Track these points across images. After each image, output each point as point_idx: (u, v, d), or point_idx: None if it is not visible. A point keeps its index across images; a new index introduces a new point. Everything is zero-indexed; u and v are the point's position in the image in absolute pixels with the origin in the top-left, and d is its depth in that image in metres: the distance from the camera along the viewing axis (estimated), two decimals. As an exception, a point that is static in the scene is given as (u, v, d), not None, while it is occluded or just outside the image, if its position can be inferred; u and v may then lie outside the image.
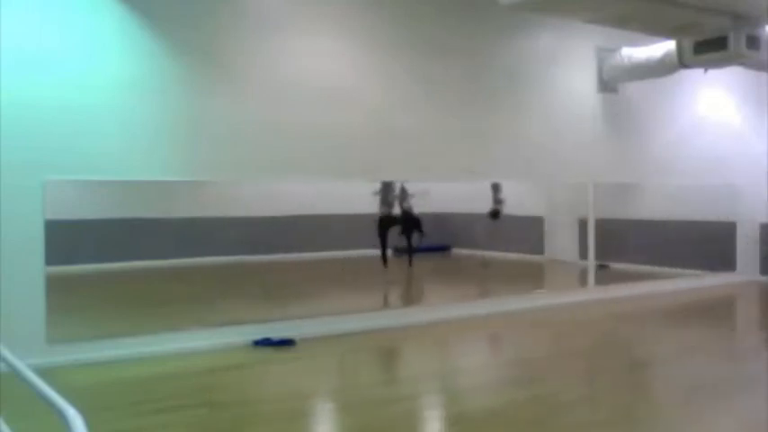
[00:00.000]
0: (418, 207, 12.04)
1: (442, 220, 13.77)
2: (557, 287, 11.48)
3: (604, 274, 10.98)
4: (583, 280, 10.90)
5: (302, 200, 10.26)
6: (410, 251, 12.04)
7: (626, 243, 12.06)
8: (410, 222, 11.92)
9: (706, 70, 9.94)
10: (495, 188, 12.02)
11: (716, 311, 10.14)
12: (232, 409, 5.32)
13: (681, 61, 9.33)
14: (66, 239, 8.36)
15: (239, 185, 9.03)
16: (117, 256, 9.98)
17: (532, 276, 12.13)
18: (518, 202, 12.26)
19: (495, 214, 12.14)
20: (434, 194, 11.87)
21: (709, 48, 8.59)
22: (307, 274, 10.94)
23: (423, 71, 8.90)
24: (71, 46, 6.73)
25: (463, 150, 9.28)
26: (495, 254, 12.53)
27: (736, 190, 12.27)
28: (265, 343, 7.40)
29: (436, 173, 9.19)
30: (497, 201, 12.14)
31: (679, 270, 11.66)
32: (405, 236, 11.94)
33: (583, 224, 11.07)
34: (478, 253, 13.42)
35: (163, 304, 8.98)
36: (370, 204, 11.40)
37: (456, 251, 14.17)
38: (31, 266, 6.49)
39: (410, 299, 11.62)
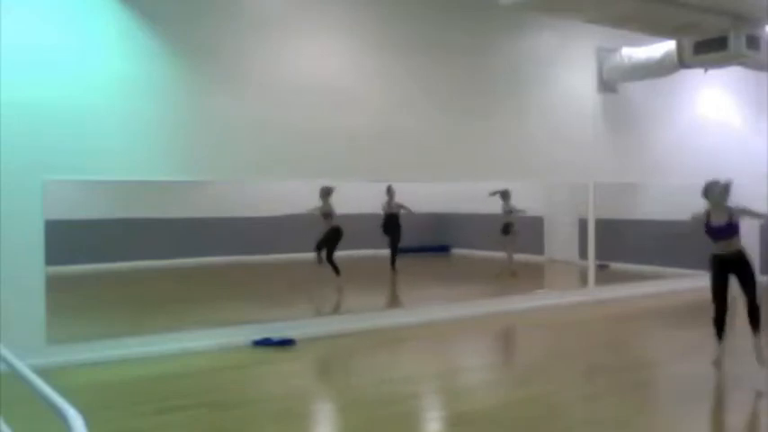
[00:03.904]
0: (417, 207, 12.09)
1: (442, 220, 13.80)
2: (557, 287, 11.48)
3: (604, 274, 10.98)
4: (583, 280, 10.90)
5: (302, 200, 10.29)
6: (394, 253, 12.02)
7: (626, 243, 12.07)
8: (393, 224, 11.91)
9: (706, 70, 9.94)
10: (505, 196, 11.99)
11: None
12: (232, 409, 5.32)
13: (681, 61, 9.33)
14: (66, 239, 8.38)
15: (239, 186, 9.04)
16: (117, 256, 10.00)
17: (532, 276, 12.14)
18: (518, 202, 12.28)
19: (506, 229, 12.13)
20: (435, 195, 11.91)
21: (709, 48, 8.58)
22: (307, 274, 10.95)
23: (423, 71, 8.89)
24: (71, 46, 6.73)
25: (464, 150, 9.27)
26: (495, 254, 12.56)
27: (735, 190, 12.25)
28: (265, 343, 7.40)
29: (437, 173, 9.18)
30: (508, 211, 12.12)
31: (679, 270, 11.65)
32: (389, 238, 11.96)
33: (583, 224, 11.07)
34: (477, 253, 13.44)
35: (163, 304, 8.98)
36: (370, 205, 11.44)
37: (456, 251, 14.20)
38: (31, 266, 6.48)
39: (410, 299, 11.63)
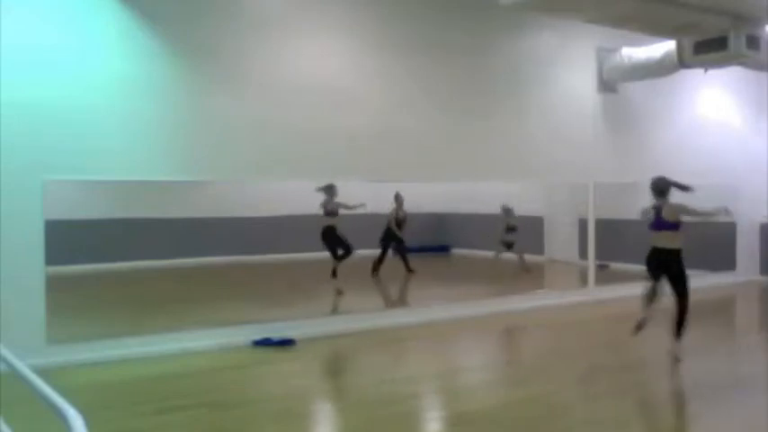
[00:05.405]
0: (417, 208, 12.08)
1: (442, 220, 13.79)
2: (557, 287, 11.47)
3: (604, 274, 10.97)
4: (583, 280, 10.89)
5: (302, 200, 10.28)
6: (403, 254, 12.03)
7: (626, 243, 12.05)
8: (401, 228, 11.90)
9: (706, 70, 9.94)
10: (507, 213, 11.98)
11: (716, 311, 10.13)
12: (232, 409, 5.33)
13: (681, 61, 9.33)
14: (66, 239, 8.37)
15: (239, 186, 9.03)
16: (117, 256, 9.99)
17: (532, 276, 12.13)
18: (517, 202, 12.27)
19: (509, 245, 12.12)
20: (435, 195, 11.91)
21: (709, 48, 8.59)
22: (307, 274, 10.93)
23: (423, 71, 8.90)
24: (71, 46, 6.73)
25: (464, 150, 9.28)
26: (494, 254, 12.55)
27: (736, 190, 12.26)
28: (265, 343, 7.40)
29: (437, 173, 9.19)
30: (510, 228, 12.10)
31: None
32: (396, 243, 11.96)
33: (583, 224, 11.06)
34: (477, 253, 13.43)
35: (163, 304, 8.98)
36: (371, 205, 11.42)
37: (456, 251, 14.19)
38: (31, 266, 6.48)
39: (410, 299, 11.62)
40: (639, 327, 6.61)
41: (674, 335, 6.65)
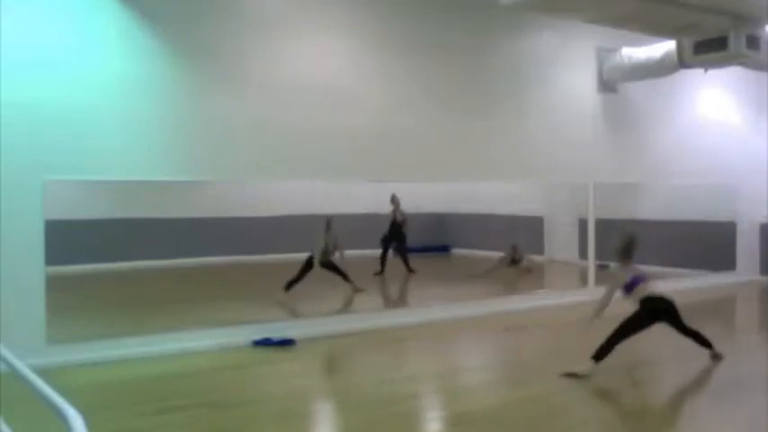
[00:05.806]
0: (417, 208, 12.10)
1: (442, 220, 13.80)
2: (557, 287, 11.47)
3: (604, 274, 10.96)
4: (583, 280, 10.89)
5: (302, 200, 10.29)
6: (404, 254, 12.06)
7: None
8: (399, 232, 11.94)
9: (706, 70, 9.94)
10: (515, 249, 12.11)
11: (716, 311, 10.13)
12: (232, 409, 5.32)
13: (681, 61, 9.33)
14: (66, 239, 8.38)
15: (239, 186, 9.04)
16: (117, 256, 10.00)
17: (532, 276, 12.14)
18: (517, 202, 12.29)
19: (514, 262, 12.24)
20: (435, 195, 11.93)
21: (709, 48, 8.59)
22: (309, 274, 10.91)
23: (423, 71, 8.89)
24: (71, 46, 6.72)
25: (464, 150, 9.27)
26: (495, 254, 12.55)
27: (736, 190, 12.27)
28: (265, 343, 7.40)
29: (437, 173, 9.19)
30: (517, 260, 12.21)
31: (679, 270, 11.65)
32: (396, 244, 11.99)
33: (583, 224, 11.06)
34: (477, 253, 13.45)
35: (163, 304, 8.98)
36: (370, 205, 11.44)
37: (456, 251, 14.20)
38: (31, 266, 6.48)
39: (410, 299, 11.62)
40: (575, 376, 6.30)
41: (707, 348, 6.61)
